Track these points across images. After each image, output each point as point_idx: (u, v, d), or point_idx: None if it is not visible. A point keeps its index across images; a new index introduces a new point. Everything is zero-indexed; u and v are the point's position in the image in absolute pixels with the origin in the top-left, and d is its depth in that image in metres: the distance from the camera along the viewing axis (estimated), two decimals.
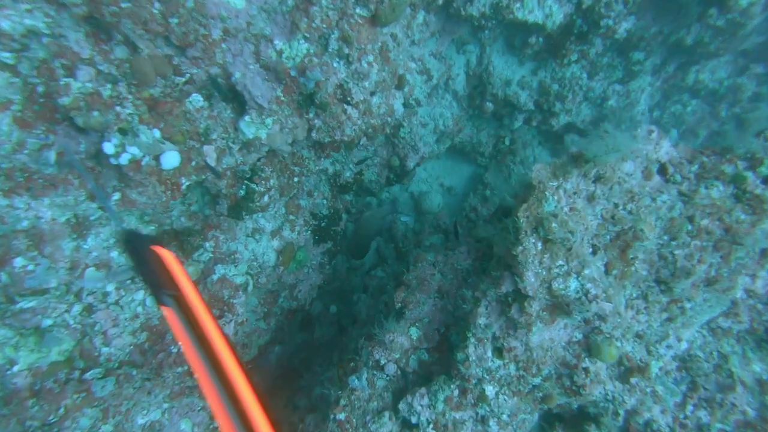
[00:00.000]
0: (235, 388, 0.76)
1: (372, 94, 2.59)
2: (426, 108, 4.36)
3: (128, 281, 2.50)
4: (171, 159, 2.06)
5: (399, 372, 2.43)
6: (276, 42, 2.23)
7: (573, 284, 1.78)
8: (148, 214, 2.57)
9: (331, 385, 2.49)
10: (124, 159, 1.91)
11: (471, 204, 4.75)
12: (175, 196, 2.22)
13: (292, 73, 2.27)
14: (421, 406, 2.15)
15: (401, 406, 2.20)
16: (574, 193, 1.81)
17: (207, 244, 2.85)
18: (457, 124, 4.54)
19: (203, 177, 2.37)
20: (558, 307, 1.84)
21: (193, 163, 2.25)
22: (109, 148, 1.87)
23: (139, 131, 1.92)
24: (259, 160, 2.73)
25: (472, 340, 2.03)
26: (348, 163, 4.15)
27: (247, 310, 3.59)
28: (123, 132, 1.91)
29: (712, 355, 2.18)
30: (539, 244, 1.78)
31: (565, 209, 1.77)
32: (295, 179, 3.24)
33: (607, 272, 1.85)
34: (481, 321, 2.01)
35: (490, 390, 2.00)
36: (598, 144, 1.73)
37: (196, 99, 2.14)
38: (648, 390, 1.91)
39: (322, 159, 3.20)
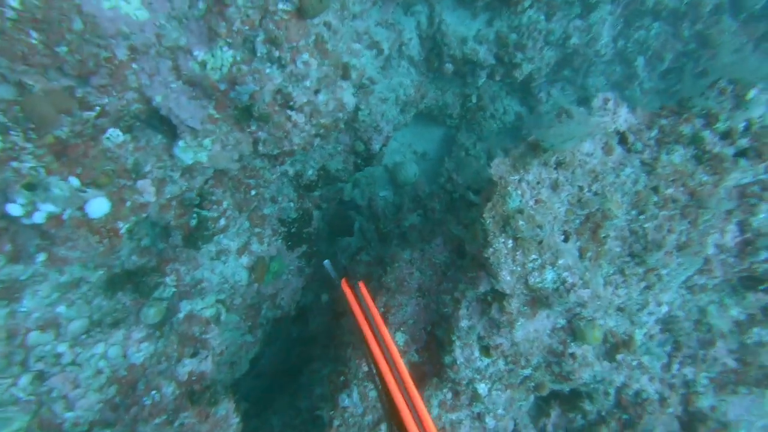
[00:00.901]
0: (384, 337, 1.41)
1: (316, 92, 2.40)
2: (383, 82, 4.15)
3: (83, 336, 2.35)
4: (99, 206, 1.86)
5: None
6: (196, 52, 2.00)
7: (549, 275, 1.76)
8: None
9: (323, 404, 2.47)
10: (38, 218, 1.70)
11: (447, 169, 4.70)
12: (115, 243, 2.03)
13: (222, 87, 2.05)
14: None
15: None
16: (538, 183, 1.75)
17: (168, 279, 2.69)
18: (419, 91, 4.36)
19: (144, 215, 2.18)
20: (538, 300, 1.83)
21: (128, 204, 2.05)
22: (15, 209, 1.65)
23: (49, 185, 1.71)
24: (206, 182, 2.54)
25: (458, 343, 2.02)
26: (309, 161, 3.97)
27: (224, 336, 3.50)
28: (30, 188, 1.69)
29: (691, 312, 2.25)
30: (510, 243, 1.73)
31: (531, 203, 1.72)
32: (253, 192, 3.06)
33: (581, 256, 1.83)
34: (464, 324, 1.99)
35: (482, 388, 2.02)
36: (555, 132, 1.66)
37: (114, 134, 1.91)
38: (634, 363, 1.97)
39: (278, 166, 3.02)
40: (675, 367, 2.18)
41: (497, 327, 1.90)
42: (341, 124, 2.86)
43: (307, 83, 2.28)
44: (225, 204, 2.62)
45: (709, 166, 1.77)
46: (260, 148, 2.35)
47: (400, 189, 4.89)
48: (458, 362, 2.02)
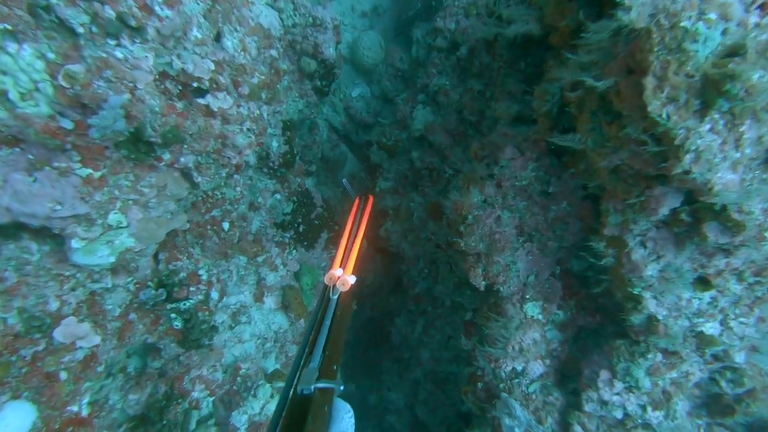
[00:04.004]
0: (357, 236, 1.55)
1: (218, 39, 1.46)
2: None
3: None
4: (13, 421, 1.16)
5: (546, 361, 1.88)
6: None
7: None
8: None
9: (477, 428, 1.98)
10: None
11: (416, 9, 3.50)
12: (88, 422, 1.38)
13: (66, 123, 1.16)
14: (617, 395, 1.62)
15: (588, 408, 1.68)
16: None
17: (195, 393, 2.08)
18: None
19: (99, 368, 1.48)
20: None
21: (64, 375, 1.34)
22: None
23: None
24: (156, 261, 1.76)
25: (647, 295, 1.37)
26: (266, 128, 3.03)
27: None
28: None
29: None
30: (721, 122, 0.94)
31: (754, 18, 0.88)
32: (226, 224, 2.27)
33: None
34: (651, 271, 1.30)
35: (712, 328, 1.42)
36: None
37: None
38: None
39: (235, 174, 2.18)
40: None
41: (723, 251, 1.22)
42: (280, 63, 1.93)
43: (195, 33, 1.34)
44: (202, 273, 1.87)
45: None
46: (197, 178, 1.51)
47: (373, 75, 3.90)
48: (660, 318, 1.39)
